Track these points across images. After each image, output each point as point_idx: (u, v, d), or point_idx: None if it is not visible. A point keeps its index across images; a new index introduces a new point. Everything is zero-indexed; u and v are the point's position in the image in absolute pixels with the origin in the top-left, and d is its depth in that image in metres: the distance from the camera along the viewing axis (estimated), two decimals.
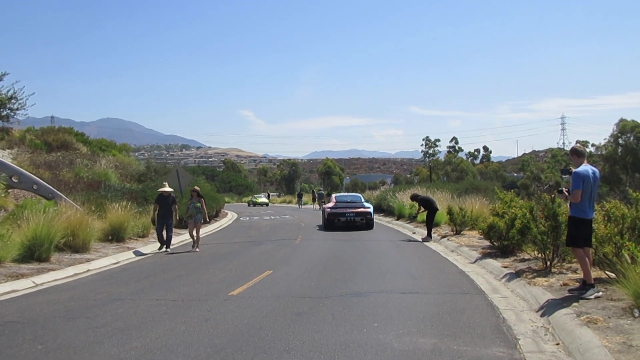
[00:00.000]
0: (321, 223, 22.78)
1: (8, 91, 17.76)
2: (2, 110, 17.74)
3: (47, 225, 11.16)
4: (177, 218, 14.58)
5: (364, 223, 20.37)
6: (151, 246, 14.76)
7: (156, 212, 14.10)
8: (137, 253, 13.50)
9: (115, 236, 14.77)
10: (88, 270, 10.65)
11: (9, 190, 16.94)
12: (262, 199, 57.15)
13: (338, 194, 25.45)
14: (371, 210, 21.32)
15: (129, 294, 8.24)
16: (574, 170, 6.82)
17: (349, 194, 27.92)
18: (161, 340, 5.55)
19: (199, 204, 14.38)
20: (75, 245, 12.37)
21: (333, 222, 20.43)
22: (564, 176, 8.65)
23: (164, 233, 14.04)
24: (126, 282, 9.39)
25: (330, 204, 21.85)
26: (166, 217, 13.95)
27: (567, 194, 6.89)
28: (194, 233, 14.27)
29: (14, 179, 16.10)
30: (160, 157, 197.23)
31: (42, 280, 9.33)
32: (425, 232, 16.70)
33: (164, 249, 14.00)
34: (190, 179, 25.92)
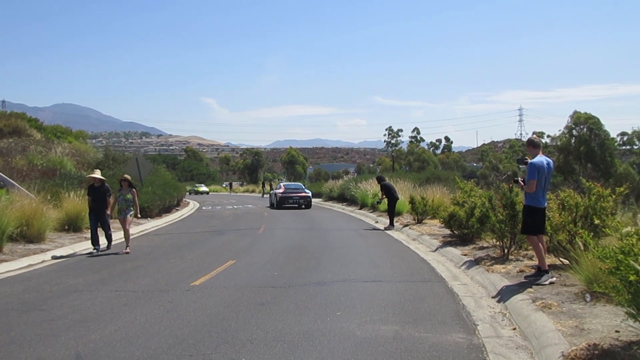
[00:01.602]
0: (272, 204, 29.47)
1: None
2: None
3: (0, 213, 10.72)
4: (110, 211, 11.91)
5: (305, 203, 27.94)
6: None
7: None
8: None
9: (72, 226, 14.32)
10: (43, 261, 10.30)
11: None
12: (203, 188, 61.94)
13: (286, 183, 34.52)
14: (310, 194, 29.08)
15: (87, 285, 8.02)
16: (529, 160, 7.02)
17: (293, 182, 39.02)
18: (121, 332, 5.43)
19: (129, 196, 11.94)
20: (29, 235, 11.94)
21: (283, 203, 27.56)
22: (520, 166, 8.90)
23: (105, 232, 11.93)
24: (83, 273, 9.13)
25: (281, 190, 28.81)
26: (99, 211, 11.63)
27: (522, 183, 7.10)
28: (129, 228, 12.04)
29: None
30: (119, 144, 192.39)
31: None
32: (388, 221, 16.91)
33: (96, 249, 11.61)
34: (150, 167, 25.38)
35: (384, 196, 17.33)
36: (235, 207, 30.56)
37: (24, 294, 7.37)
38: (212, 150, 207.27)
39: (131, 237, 14.24)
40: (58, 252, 11.30)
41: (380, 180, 18.34)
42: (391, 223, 16.58)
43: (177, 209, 26.03)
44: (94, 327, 5.65)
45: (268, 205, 30.70)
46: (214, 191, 66.25)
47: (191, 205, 31.00)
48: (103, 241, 12.02)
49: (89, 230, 14.72)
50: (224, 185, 77.28)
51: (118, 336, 5.30)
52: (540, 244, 7.02)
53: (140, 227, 17.03)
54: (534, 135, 7.83)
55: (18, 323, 5.85)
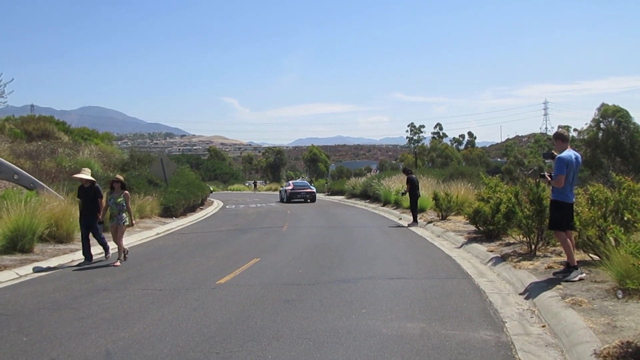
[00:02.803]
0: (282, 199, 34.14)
1: None
2: None
3: (30, 215, 10.97)
4: (102, 216, 10.33)
5: (310, 197, 32.73)
6: (136, 236, 14.63)
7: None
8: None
9: (100, 226, 14.55)
10: (72, 261, 10.52)
11: None
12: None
13: (294, 181, 41.12)
14: (314, 190, 34.44)
15: (115, 284, 8.16)
16: (557, 155, 6.86)
17: (300, 180, 45.93)
18: (149, 330, 5.50)
19: (121, 199, 10.27)
20: (59, 236, 12.22)
21: (292, 198, 32.53)
22: (546, 160, 8.69)
23: (98, 240, 10.42)
24: (112, 272, 9.29)
25: (290, 187, 34.16)
26: (89, 217, 10.20)
27: (549, 178, 6.95)
28: (121, 239, 10.29)
29: None
30: (144, 145, 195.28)
31: (26, 271, 9.19)
32: (411, 217, 16.80)
33: (87, 262, 10.13)
34: (175, 167, 25.72)
35: (408, 190, 17.13)
36: (258, 205, 30.74)
37: (54, 293, 7.54)
38: (235, 149, 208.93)
39: (148, 239, 14.33)
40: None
41: (407, 172, 18.13)
42: (415, 219, 16.47)
43: (201, 208, 26.30)
44: (122, 325, 5.74)
45: (278, 200, 35.29)
46: (237, 190, 66.51)
47: (215, 204, 31.28)
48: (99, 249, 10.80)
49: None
50: (246, 184, 77.80)
51: (146, 334, 5.38)
52: (568, 240, 6.87)
53: (166, 227, 17.25)
54: (563, 129, 7.64)
55: (49, 321, 5.99)
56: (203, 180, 43.62)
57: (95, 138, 33.85)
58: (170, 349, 4.86)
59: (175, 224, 18.46)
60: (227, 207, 30.25)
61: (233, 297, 6.96)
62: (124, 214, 10.30)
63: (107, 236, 10.92)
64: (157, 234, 15.70)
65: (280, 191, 37.13)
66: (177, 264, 10.04)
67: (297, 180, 43.42)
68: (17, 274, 8.94)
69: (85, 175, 10.41)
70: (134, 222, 10.89)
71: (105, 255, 10.60)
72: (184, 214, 21.81)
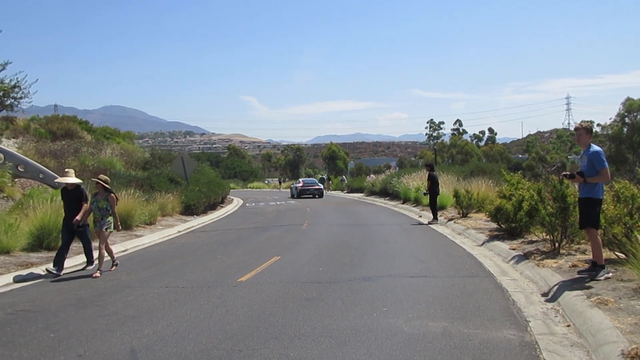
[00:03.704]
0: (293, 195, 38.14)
1: (11, 80, 17.68)
2: (5, 99, 17.68)
3: (55, 214, 11.19)
4: (82, 219, 9.11)
5: (318, 193, 36.54)
6: (158, 233, 14.81)
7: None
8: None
9: (122, 224, 14.76)
10: (94, 259, 10.67)
11: (16, 180, 17.00)
12: None
13: (304, 179, 45.04)
14: (322, 187, 38.38)
15: (138, 281, 8.28)
16: (595, 149, 6.64)
17: (309, 178, 48.61)
18: (172, 327, 5.57)
19: (104, 203, 9.28)
20: None
21: (302, 194, 36.50)
22: (568, 179, 8.30)
23: (85, 247, 9.55)
24: (135, 269, 9.43)
25: (300, 184, 38.37)
26: (72, 219, 9.11)
27: (582, 178, 6.70)
28: (103, 246, 9.18)
29: (20, 168, 16.14)
30: (165, 144, 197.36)
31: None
32: (432, 215, 16.67)
33: (56, 271, 8.81)
34: (195, 165, 25.95)
35: (429, 187, 16.91)
36: (278, 203, 30.85)
37: (80, 290, 7.68)
38: (254, 147, 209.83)
39: (169, 237, 14.45)
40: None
41: (430, 168, 17.89)
42: (435, 217, 16.34)
43: (221, 206, 26.50)
44: (146, 322, 5.82)
45: (289, 196, 38.65)
46: (256, 188, 66.80)
47: (235, 202, 31.48)
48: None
49: (139, 228, 15.29)
50: (266, 182, 78.08)
51: (170, 331, 5.45)
52: (599, 238, 6.72)
53: (187, 224, 17.43)
54: (587, 122, 7.40)
55: (75, 318, 6.10)
56: (223, 179, 43.94)
57: (117, 137, 34.36)
58: (193, 346, 4.92)
59: (196, 222, 18.64)
60: (247, 205, 30.42)
61: (254, 295, 7.01)
62: (108, 219, 9.29)
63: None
64: (179, 231, 15.87)
65: (291, 188, 40.83)
66: (198, 261, 10.14)
67: (306, 179, 46.59)
68: (44, 270, 9.11)
69: (70, 179, 9.30)
70: (119, 227, 9.63)
71: (88, 265, 9.57)
72: (204, 211, 22.00)
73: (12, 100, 17.90)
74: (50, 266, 8.93)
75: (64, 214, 9.49)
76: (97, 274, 8.83)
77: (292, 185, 42.30)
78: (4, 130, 22.64)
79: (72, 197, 9.27)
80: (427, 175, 17.53)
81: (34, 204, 11.83)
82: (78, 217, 9.04)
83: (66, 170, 9.77)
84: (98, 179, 9.42)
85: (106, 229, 9.25)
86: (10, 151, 17.35)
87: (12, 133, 24.99)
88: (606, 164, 6.54)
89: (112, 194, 9.43)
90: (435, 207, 16.61)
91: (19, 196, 15.45)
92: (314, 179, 47.86)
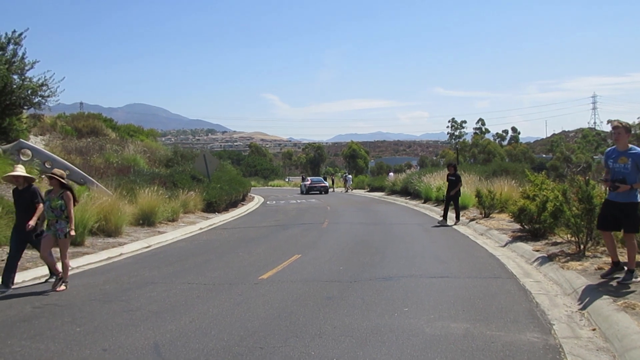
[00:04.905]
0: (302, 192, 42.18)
1: (39, 79, 18.07)
2: (33, 97, 18.08)
3: (81, 210, 11.41)
4: (34, 222, 7.49)
5: (324, 190, 41.34)
6: (181, 230, 14.99)
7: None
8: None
9: (146, 220, 15.03)
10: (121, 254, 10.88)
11: (43, 176, 17.37)
12: None
13: (312, 177, 50.05)
14: (327, 185, 43.66)
15: (162, 277, 8.40)
16: (638, 150, 6.43)
17: (316, 177, 53.71)
18: (195, 324, 5.64)
19: (59, 202, 7.62)
20: (108, 230, 12.67)
21: (310, 191, 40.97)
22: (614, 190, 7.94)
23: (42, 254, 7.69)
24: (158, 265, 9.57)
25: (308, 182, 42.68)
26: (25, 229, 7.50)
27: (624, 185, 6.49)
28: (54, 256, 7.75)
29: (47, 165, 16.49)
30: (187, 141, 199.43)
31: (78, 263, 9.57)
32: (454, 215, 16.50)
33: (3, 288, 7.40)
34: (217, 163, 26.17)
35: (451, 186, 16.62)
36: (298, 201, 30.93)
37: (104, 285, 7.83)
38: (275, 145, 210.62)
39: (191, 234, 14.64)
40: (133, 247, 11.88)
41: (453, 167, 17.54)
42: (457, 217, 16.18)
43: (242, 204, 26.69)
44: (169, 318, 5.91)
45: (299, 193, 42.51)
46: (277, 186, 67.02)
47: (256, 200, 31.66)
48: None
49: (162, 225, 15.50)
50: (286, 180, 78.33)
51: (192, 327, 5.52)
52: (635, 241, 6.54)
53: (209, 222, 17.60)
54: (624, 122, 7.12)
55: (100, 313, 6.22)
56: (244, 176, 44.31)
57: (140, 134, 34.84)
58: (215, 343, 4.97)
59: (218, 219, 18.81)
60: (267, 202, 30.58)
61: (275, 293, 7.04)
62: (62, 222, 7.63)
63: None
64: (201, 229, 16.04)
65: (300, 186, 45.31)
66: (220, 259, 10.24)
67: (314, 177, 52.18)
68: (70, 266, 9.29)
69: (18, 171, 7.80)
70: (72, 232, 7.66)
71: (50, 276, 8.15)
72: (226, 209, 22.18)
73: (40, 99, 18.28)
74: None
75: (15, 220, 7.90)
76: (63, 287, 7.53)
77: (301, 184, 46.03)
78: (32, 127, 23.13)
79: (25, 198, 7.69)
80: (447, 174, 17.22)
81: None
82: (31, 222, 7.44)
83: (15, 166, 8.24)
84: (52, 173, 7.85)
85: (64, 236, 7.61)
86: (38, 148, 17.75)
87: (40, 130, 25.53)
88: None
89: (69, 192, 7.73)
90: (458, 207, 16.36)
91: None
92: (320, 177, 53.10)
